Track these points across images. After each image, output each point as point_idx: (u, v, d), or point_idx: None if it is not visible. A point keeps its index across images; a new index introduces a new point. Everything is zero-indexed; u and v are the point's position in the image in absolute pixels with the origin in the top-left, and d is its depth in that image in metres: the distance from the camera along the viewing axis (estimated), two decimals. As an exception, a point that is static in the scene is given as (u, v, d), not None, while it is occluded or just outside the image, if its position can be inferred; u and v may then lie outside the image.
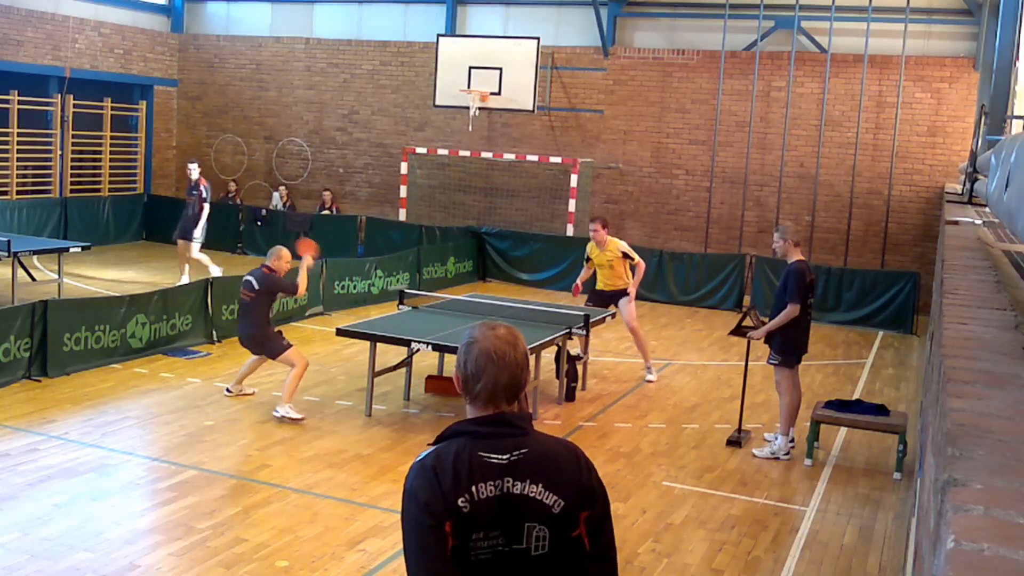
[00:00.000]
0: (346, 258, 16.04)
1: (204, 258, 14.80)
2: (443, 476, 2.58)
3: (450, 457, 2.61)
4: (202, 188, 14.67)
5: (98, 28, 19.69)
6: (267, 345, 9.12)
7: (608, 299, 11.26)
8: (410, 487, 2.62)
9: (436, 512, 2.55)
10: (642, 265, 11.18)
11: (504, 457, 2.62)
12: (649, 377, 11.22)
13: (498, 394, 2.67)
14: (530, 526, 2.61)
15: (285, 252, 9.29)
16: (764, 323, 8.96)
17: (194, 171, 14.82)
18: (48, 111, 18.83)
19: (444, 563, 2.55)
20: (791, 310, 8.48)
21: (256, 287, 9.10)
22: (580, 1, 18.39)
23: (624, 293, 11.17)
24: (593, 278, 11.50)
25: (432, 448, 2.68)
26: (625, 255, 11.15)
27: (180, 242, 14.97)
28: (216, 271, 14.36)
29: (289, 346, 9.10)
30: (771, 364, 8.85)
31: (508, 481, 2.60)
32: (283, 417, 8.82)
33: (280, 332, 9.36)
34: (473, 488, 2.58)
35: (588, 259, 11.41)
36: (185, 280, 14.36)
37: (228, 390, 9.56)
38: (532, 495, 2.61)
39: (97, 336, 10.24)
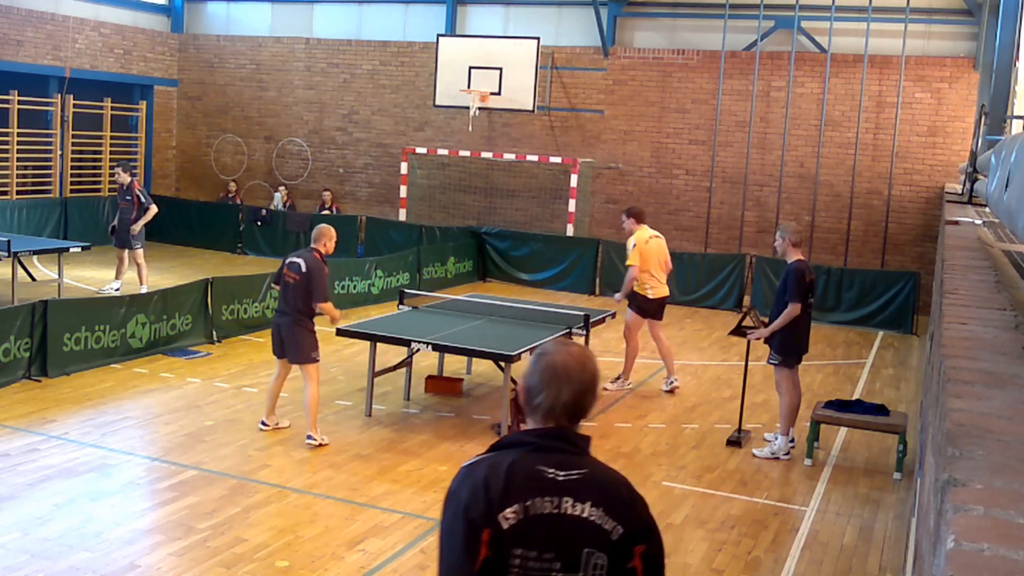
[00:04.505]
0: (346, 258, 16.04)
1: (143, 264, 14.10)
2: (494, 484, 2.50)
3: (504, 467, 2.53)
4: (137, 192, 14.00)
5: (98, 28, 19.69)
6: (300, 345, 8.14)
7: (661, 309, 10.62)
8: (454, 490, 2.57)
9: (475, 518, 2.49)
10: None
11: (562, 474, 2.55)
12: (668, 386, 10.79)
13: (557, 410, 2.60)
14: (589, 552, 2.52)
15: (333, 231, 8.39)
16: (764, 323, 8.96)
17: (125, 176, 14.08)
18: (48, 111, 18.82)
19: (469, 573, 2.48)
20: (792, 309, 8.48)
21: (304, 270, 8.06)
22: (580, 1, 18.39)
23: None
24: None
25: (484, 455, 2.61)
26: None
27: (118, 250, 14.19)
28: (117, 285, 14.03)
29: (318, 360, 8.27)
30: (771, 364, 8.86)
31: (567, 501, 2.52)
32: (318, 444, 8.18)
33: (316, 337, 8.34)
34: (528, 502, 2.50)
35: (634, 256, 10.38)
36: (117, 285, 14.02)
37: (263, 424, 8.59)
38: (591, 518, 2.53)
39: (97, 336, 10.24)
